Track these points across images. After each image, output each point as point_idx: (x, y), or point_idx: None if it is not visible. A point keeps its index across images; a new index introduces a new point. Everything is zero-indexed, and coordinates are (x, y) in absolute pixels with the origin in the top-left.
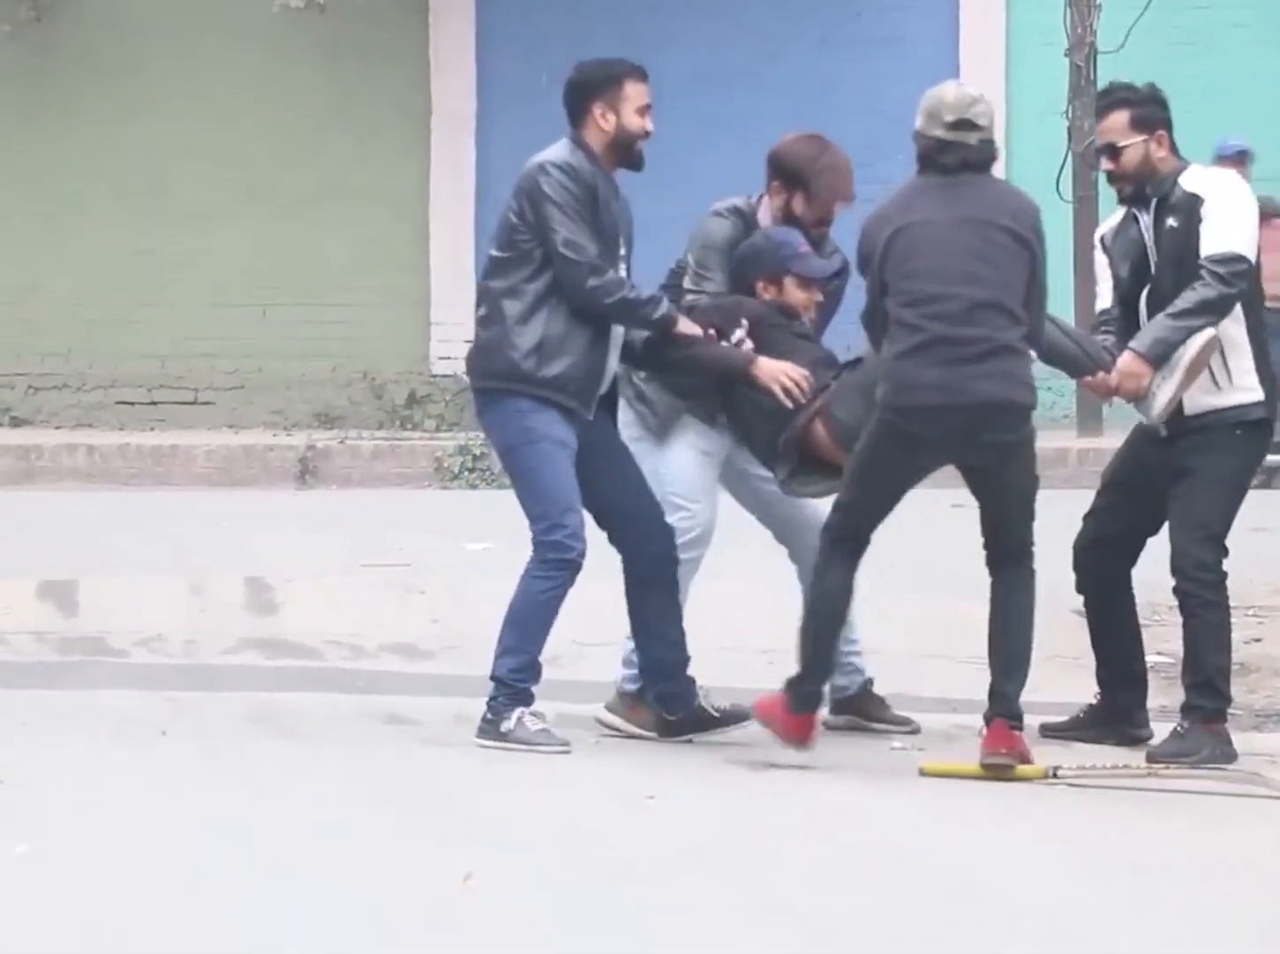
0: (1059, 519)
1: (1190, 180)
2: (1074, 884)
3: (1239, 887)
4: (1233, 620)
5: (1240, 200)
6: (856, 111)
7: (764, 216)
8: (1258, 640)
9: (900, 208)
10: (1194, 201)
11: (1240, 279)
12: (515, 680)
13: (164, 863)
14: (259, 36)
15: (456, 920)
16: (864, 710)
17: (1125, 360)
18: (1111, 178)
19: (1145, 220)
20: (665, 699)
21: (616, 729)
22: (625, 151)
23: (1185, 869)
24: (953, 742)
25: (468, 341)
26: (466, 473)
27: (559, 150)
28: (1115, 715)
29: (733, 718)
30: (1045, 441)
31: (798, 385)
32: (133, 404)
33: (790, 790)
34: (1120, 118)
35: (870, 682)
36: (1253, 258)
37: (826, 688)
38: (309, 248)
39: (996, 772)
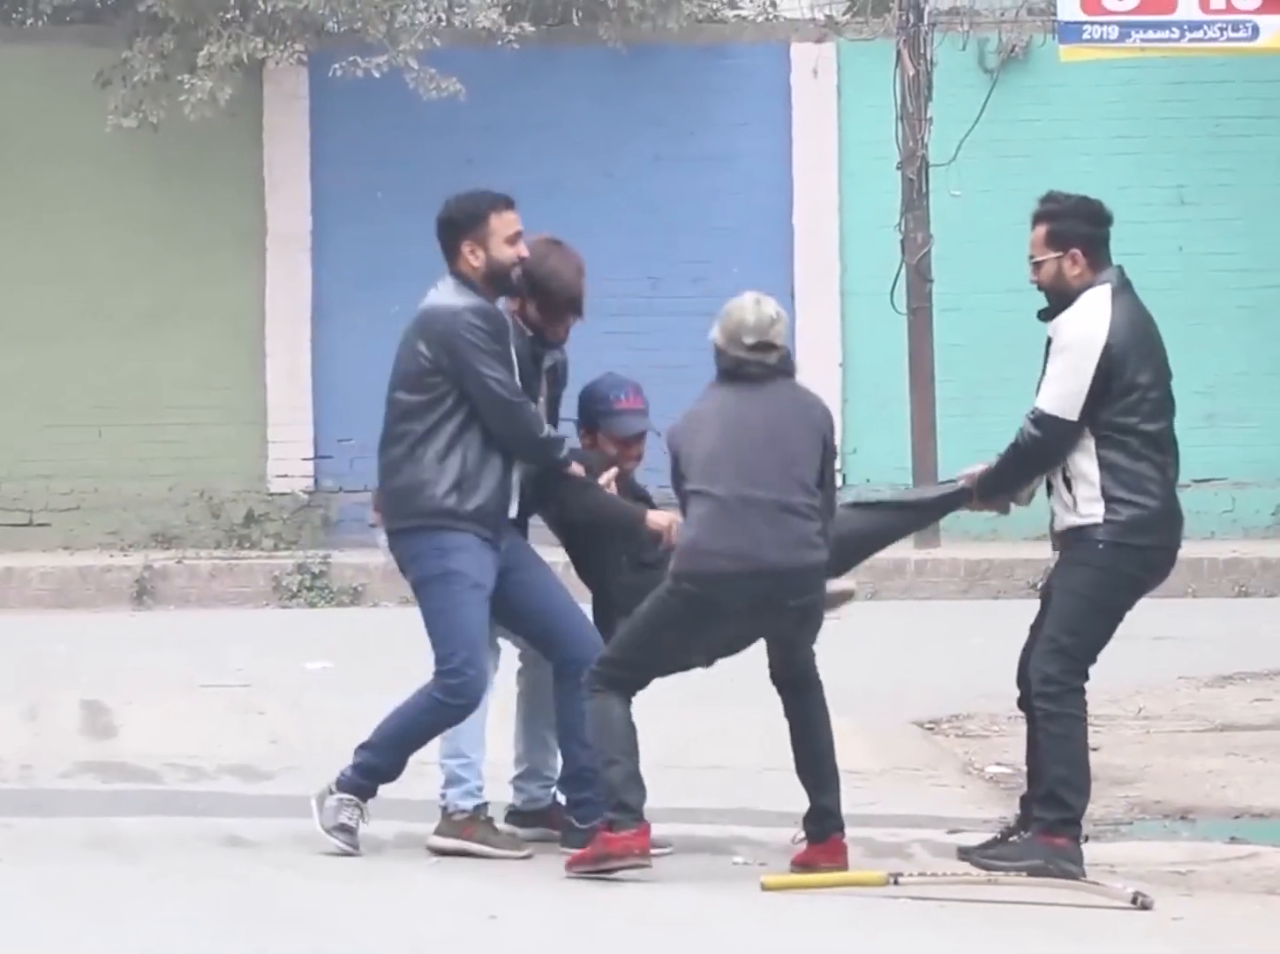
0: (898, 629)
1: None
2: None
3: None
4: None
5: (1070, 353)
6: (690, 227)
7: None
8: (1095, 749)
9: (704, 409)
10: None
11: (1038, 438)
12: (359, 774)
13: None
14: (93, 157)
15: None
16: (554, 822)
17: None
18: (1039, 288)
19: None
20: (581, 806)
21: (450, 852)
22: (501, 282)
23: None
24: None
25: (305, 458)
26: (305, 591)
27: (455, 293)
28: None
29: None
30: (883, 552)
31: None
32: None
33: (633, 905)
34: (1039, 232)
35: (556, 794)
36: (1067, 412)
37: (519, 800)
38: (145, 367)
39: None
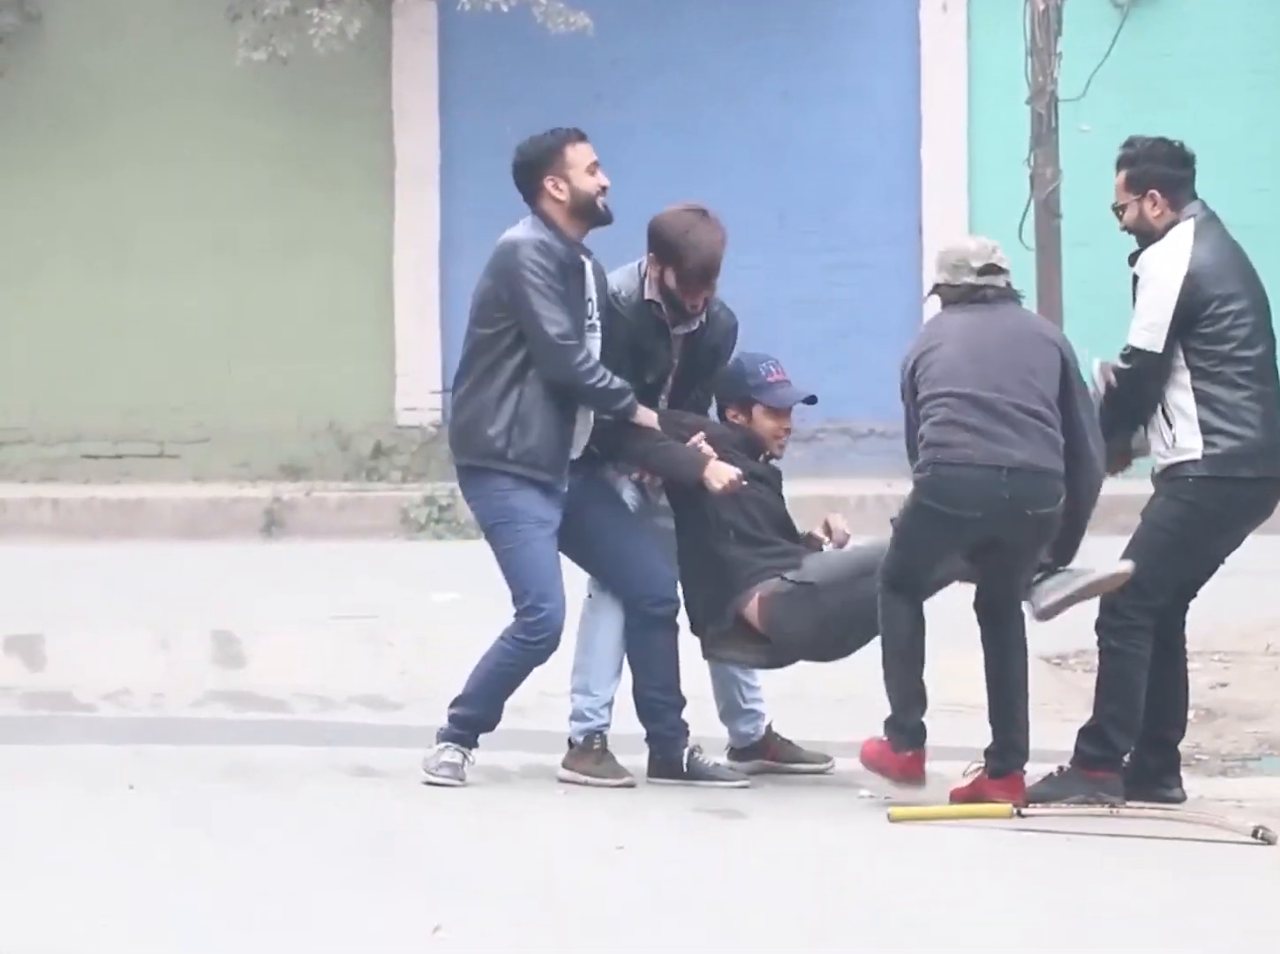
0: None
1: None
2: (1041, 928)
3: (1201, 930)
4: (1198, 665)
5: (1153, 285)
6: (818, 162)
7: (648, 287)
8: (1224, 685)
9: (940, 328)
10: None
11: (1127, 372)
12: (455, 724)
13: (131, 916)
14: (222, 90)
15: None
16: (773, 753)
17: None
18: (1128, 233)
19: None
20: (654, 739)
21: (570, 782)
22: (589, 212)
23: (1148, 912)
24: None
25: (434, 392)
26: (433, 524)
27: (528, 228)
28: (1143, 776)
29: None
30: None
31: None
32: (97, 458)
33: (760, 838)
34: (1120, 178)
35: (771, 725)
36: (1153, 344)
37: (732, 739)
38: (273, 301)
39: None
